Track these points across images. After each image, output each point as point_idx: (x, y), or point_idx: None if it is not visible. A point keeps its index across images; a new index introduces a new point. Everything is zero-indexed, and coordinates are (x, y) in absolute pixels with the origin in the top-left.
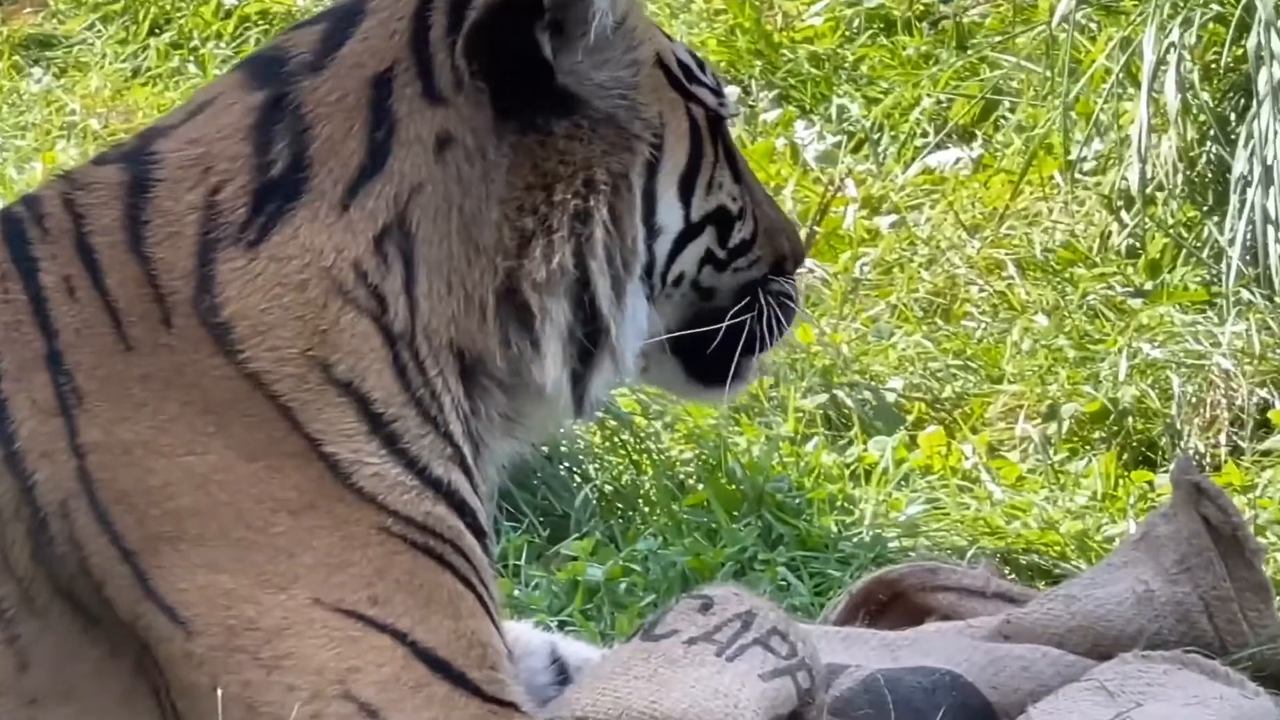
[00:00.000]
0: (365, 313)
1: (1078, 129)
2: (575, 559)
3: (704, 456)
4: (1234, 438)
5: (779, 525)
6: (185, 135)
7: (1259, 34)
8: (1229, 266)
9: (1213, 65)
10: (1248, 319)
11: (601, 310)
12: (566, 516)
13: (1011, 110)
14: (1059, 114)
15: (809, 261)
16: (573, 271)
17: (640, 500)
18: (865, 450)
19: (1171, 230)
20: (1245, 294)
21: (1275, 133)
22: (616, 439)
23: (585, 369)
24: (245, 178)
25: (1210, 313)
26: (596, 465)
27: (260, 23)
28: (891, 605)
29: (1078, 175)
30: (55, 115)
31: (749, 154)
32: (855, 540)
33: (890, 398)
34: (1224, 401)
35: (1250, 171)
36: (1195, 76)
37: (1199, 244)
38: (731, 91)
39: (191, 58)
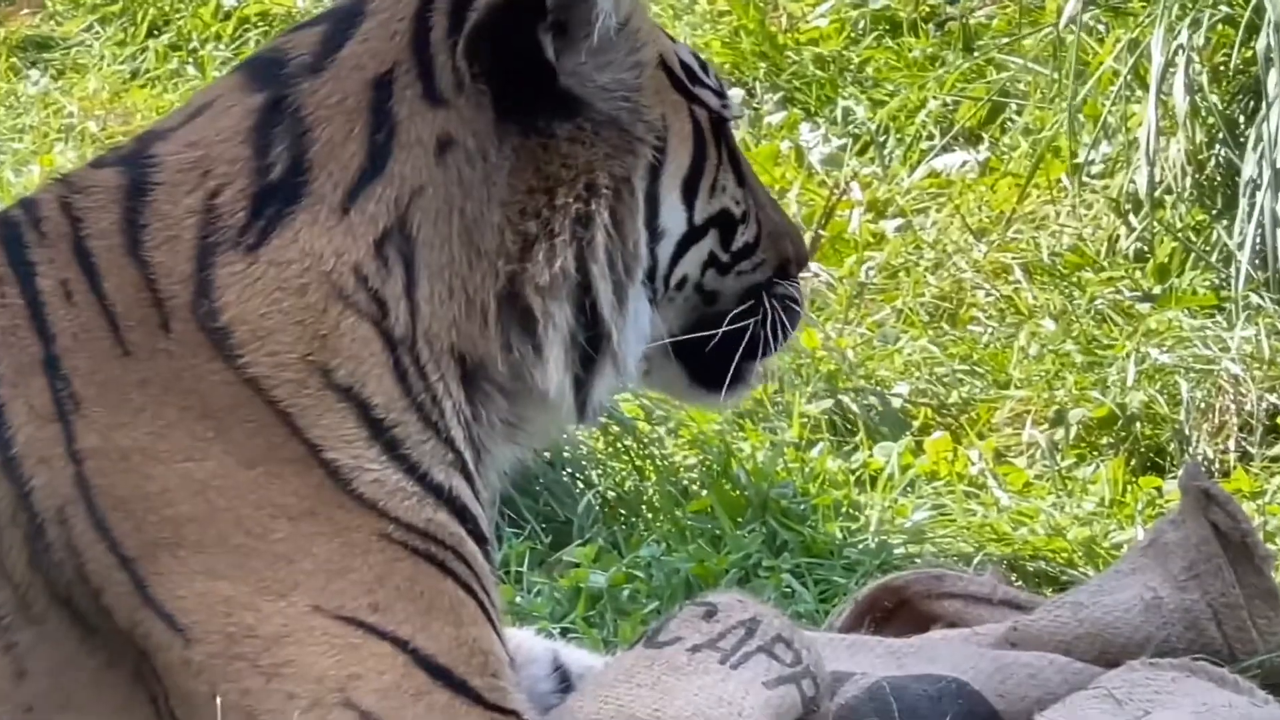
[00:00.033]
0: (366, 317)
1: (1085, 132)
2: (578, 565)
3: (708, 462)
4: (1243, 443)
5: (783, 531)
6: (184, 138)
7: (1268, 36)
8: (1238, 270)
9: (1221, 67)
10: (1257, 323)
11: (603, 314)
12: (569, 522)
13: (1018, 113)
14: (1066, 116)
15: (813, 265)
16: (575, 276)
17: (643, 506)
18: (871, 456)
19: (1180, 234)
20: (1254, 298)
21: None
22: (619, 444)
23: (587, 374)
24: (244, 181)
25: (1219, 317)
26: (599, 471)
27: (259, 24)
28: (897, 612)
29: (1085, 178)
30: (53, 118)
31: (753, 157)
32: (860, 547)
33: (896, 403)
34: (1233, 407)
35: (1259, 175)
36: (1204, 79)
37: (1208, 248)
38: (735, 94)
39: (190, 60)
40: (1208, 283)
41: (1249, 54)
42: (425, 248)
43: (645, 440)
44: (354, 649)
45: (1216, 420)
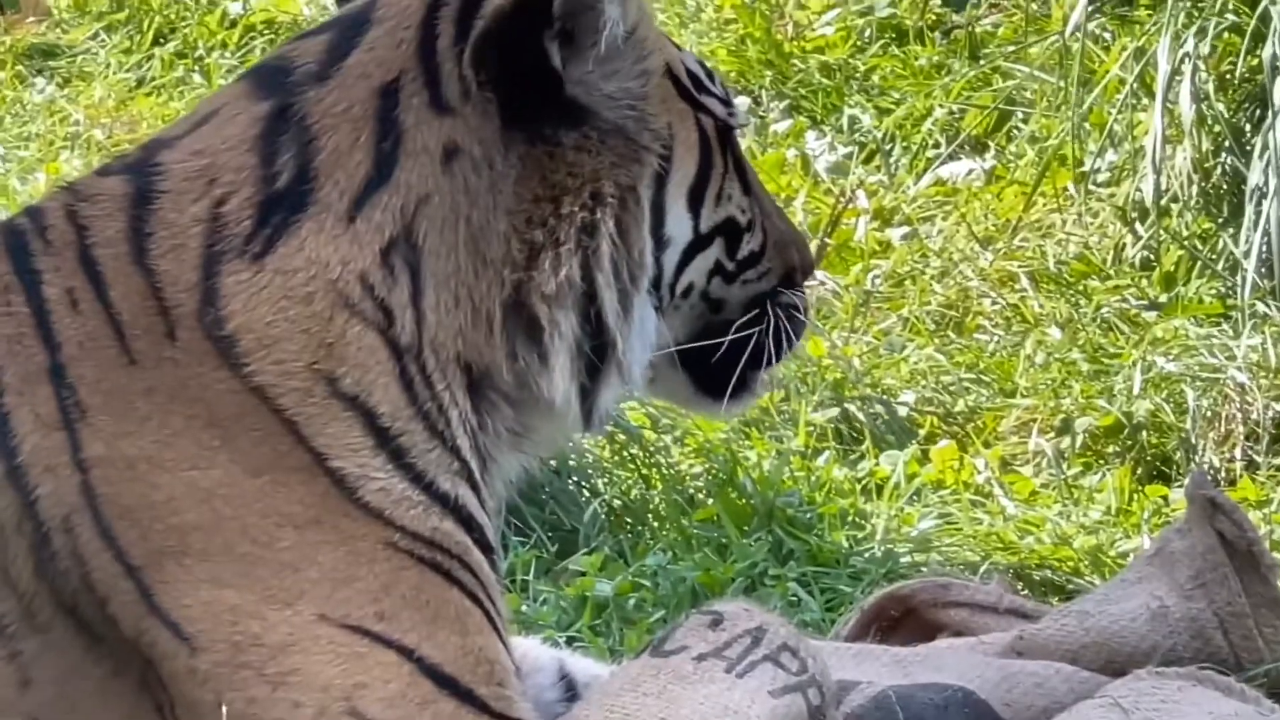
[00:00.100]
0: (372, 326)
1: (1091, 140)
2: (584, 574)
3: (714, 471)
4: (1249, 452)
5: (790, 540)
6: (190, 146)
7: (1274, 44)
8: (1244, 279)
9: (1228, 75)
10: (1263, 332)
11: (608, 323)
12: (575, 531)
13: (1024, 121)
14: (1072, 125)
15: (820, 273)
16: (580, 284)
17: (649, 515)
18: (877, 464)
19: (1186, 242)
20: (1261, 307)
21: None
22: (626, 453)
23: (593, 382)
24: (250, 189)
25: (1225, 326)
26: (605, 479)
27: (265, 32)
28: (903, 621)
29: (1091, 187)
30: (59, 125)
31: (759, 165)
32: (867, 555)
33: (902, 411)
34: (1239, 415)
35: (1266, 183)
36: (1210, 87)
37: (1214, 256)
38: (741, 102)
39: (196, 67)
40: (1214, 291)
41: (1255, 62)
42: (431, 256)
43: (651, 449)
44: (360, 658)
45: (1223, 429)
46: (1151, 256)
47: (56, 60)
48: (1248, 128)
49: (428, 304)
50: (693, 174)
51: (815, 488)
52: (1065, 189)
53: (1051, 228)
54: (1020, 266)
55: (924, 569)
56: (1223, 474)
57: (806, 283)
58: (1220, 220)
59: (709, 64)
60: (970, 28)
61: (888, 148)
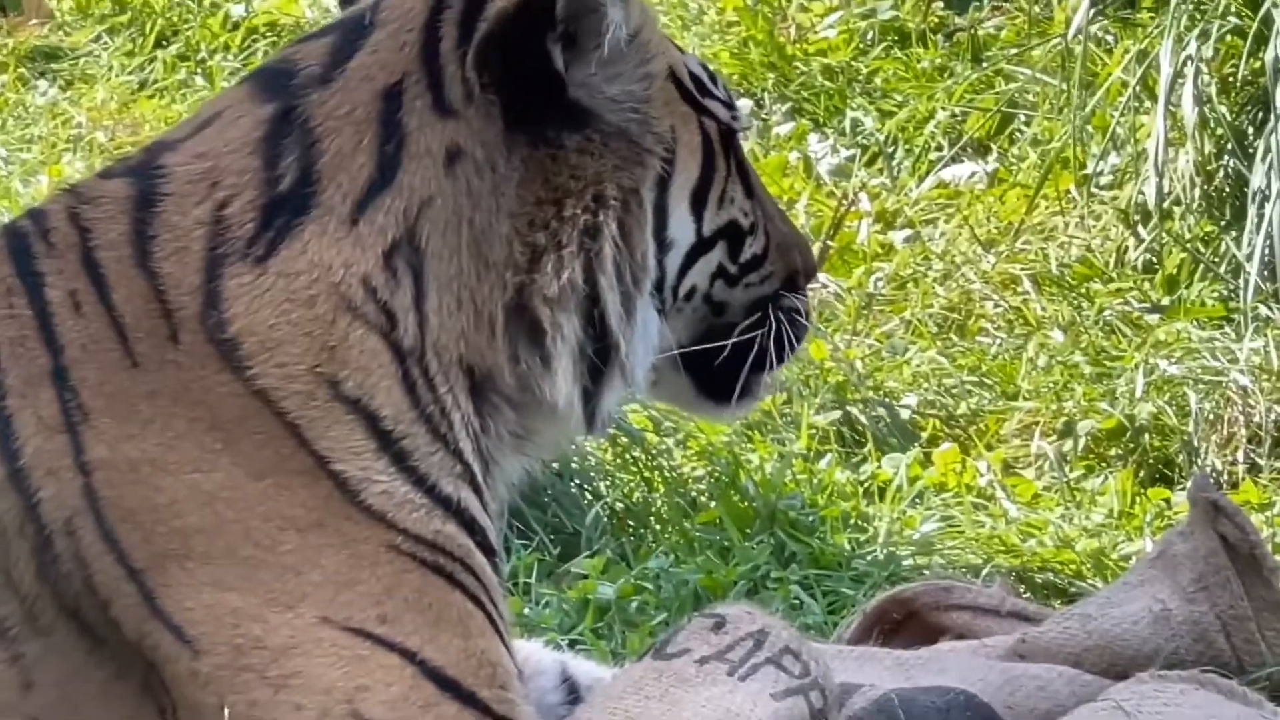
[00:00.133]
0: (374, 329)
1: (1094, 143)
2: (586, 577)
3: (716, 473)
4: (1251, 455)
5: (792, 543)
6: (192, 149)
7: (1276, 47)
8: (1246, 282)
9: (1230, 78)
10: (1265, 335)
11: (611, 326)
12: (577, 534)
13: (1027, 124)
14: (1075, 127)
15: (822, 276)
16: (582, 287)
17: (652, 518)
18: (879, 467)
19: (1189, 245)
20: (1263, 309)
21: None
22: (628, 456)
23: (596, 385)
24: (253, 192)
25: (1228, 328)
26: (608, 482)
27: (268, 35)
28: (905, 624)
29: (1094, 189)
30: (61, 128)
31: (761, 167)
32: (869, 558)
33: (904, 414)
34: (1241, 418)
35: (1268, 186)
36: (1213, 90)
37: (1216, 259)
38: (744, 104)
39: (199, 70)
40: (1216, 294)
41: (1257, 65)
42: (434, 259)
43: (654, 451)
44: (362, 660)
45: (1225, 432)
46: (1154, 259)
47: (59, 63)
48: (1250, 130)
49: (430, 307)
50: (695, 177)
51: (817, 490)
52: (1068, 192)
53: (1054, 230)
54: (1022, 269)
55: (926, 572)
56: (1225, 477)
57: (809, 285)
58: (1223, 223)
59: (711, 67)
60: (973, 30)
61: (890, 150)
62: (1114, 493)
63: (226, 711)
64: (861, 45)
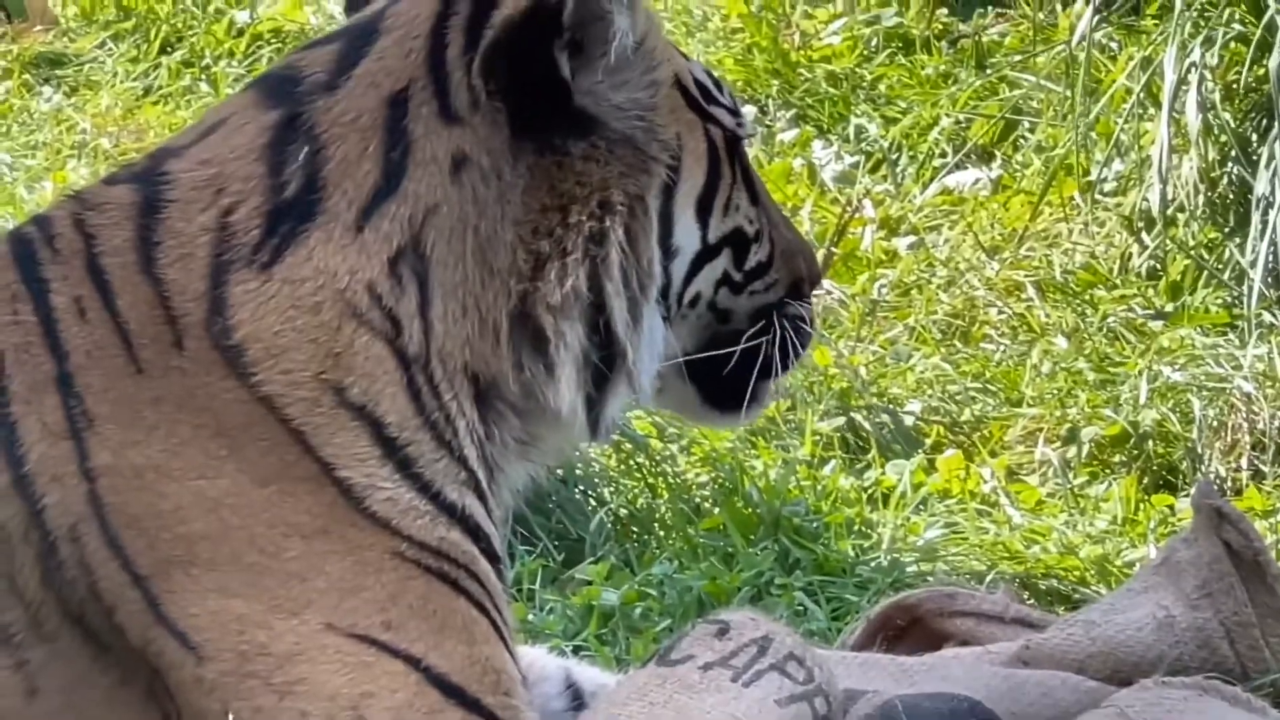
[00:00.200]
0: (379, 336)
1: (1098, 149)
2: (590, 583)
3: (720, 480)
4: (1255, 462)
5: (796, 549)
6: (197, 155)
7: None
8: (1250, 289)
9: (1234, 85)
10: (1269, 341)
11: (617, 333)
12: (581, 540)
13: (1031, 130)
14: (1079, 134)
15: (826, 283)
16: (587, 295)
17: (656, 524)
18: (883, 474)
19: (1192, 252)
20: (1267, 316)
21: None
22: (632, 462)
23: (600, 392)
24: (258, 199)
25: (1231, 335)
26: (612, 489)
27: (273, 41)
28: (909, 630)
29: (1098, 196)
30: (66, 134)
31: (766, 174)
32: (873, 565)
33: (908, 421)
34: (1245, 425)
35: (1272, 193)
36: (1217, 96)
37: (1220, 266)
38: (748, 111)
39: (203, 76)
40: (1220, 301)
41: (1261, 72)
42: (439, 266)
43: (658, 458)
44: (367, 667)
45: (1229, 438)
46: (1158, 266)
47: (64, 69)
48: (1254, 137)
49: (435, 314)
50: (701, 184)
51: (821, 497)
52: (1071, 198)
53: (1058, 237)
54: (1026, 276)
55: (930, 578)
56: (1229, 483)
57: (814, 293)
58: (1226, 230)
59: (717, 74)
60: (977, 37)
61: (894, 157)
62: (1118, 499)
63: (231, 718)
64: (866, 52)
